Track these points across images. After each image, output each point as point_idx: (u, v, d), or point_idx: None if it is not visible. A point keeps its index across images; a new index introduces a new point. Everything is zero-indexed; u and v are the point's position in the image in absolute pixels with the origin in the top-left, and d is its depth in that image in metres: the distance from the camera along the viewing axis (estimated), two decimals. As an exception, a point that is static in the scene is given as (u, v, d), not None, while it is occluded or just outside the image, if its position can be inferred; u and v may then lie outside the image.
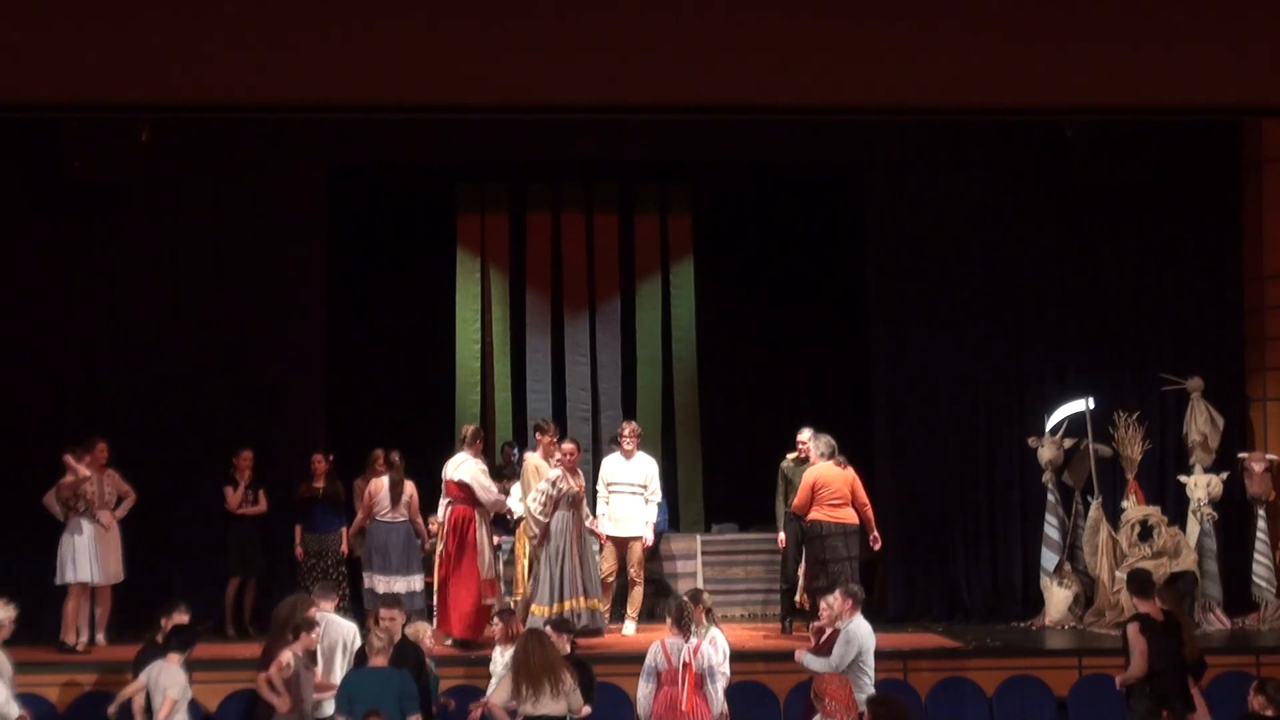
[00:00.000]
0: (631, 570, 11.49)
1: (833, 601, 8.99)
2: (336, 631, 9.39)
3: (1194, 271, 12.97)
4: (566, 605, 10.58)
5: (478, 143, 12.42)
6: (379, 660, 8.58)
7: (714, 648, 8.85)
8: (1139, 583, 8.86)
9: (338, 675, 9.09)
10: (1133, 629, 8.59)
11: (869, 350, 13.07)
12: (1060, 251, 12.92)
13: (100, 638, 11.09)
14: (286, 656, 8.66)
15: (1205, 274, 12.97)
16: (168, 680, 8.50)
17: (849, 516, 11.03)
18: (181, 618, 9.04)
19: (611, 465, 11.62)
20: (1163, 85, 7.54)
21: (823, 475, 11.04)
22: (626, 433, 11.63)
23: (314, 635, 8.89)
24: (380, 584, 10.99)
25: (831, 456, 11.08)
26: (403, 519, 11.15)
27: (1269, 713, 7.99)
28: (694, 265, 13.95)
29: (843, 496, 11.02)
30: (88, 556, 10.85)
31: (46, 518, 11.26)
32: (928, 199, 12.85)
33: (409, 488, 11.21)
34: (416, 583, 11.15)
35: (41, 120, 10.91)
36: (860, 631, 8.85)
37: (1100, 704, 10.10)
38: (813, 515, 11.03)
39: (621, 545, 11.47)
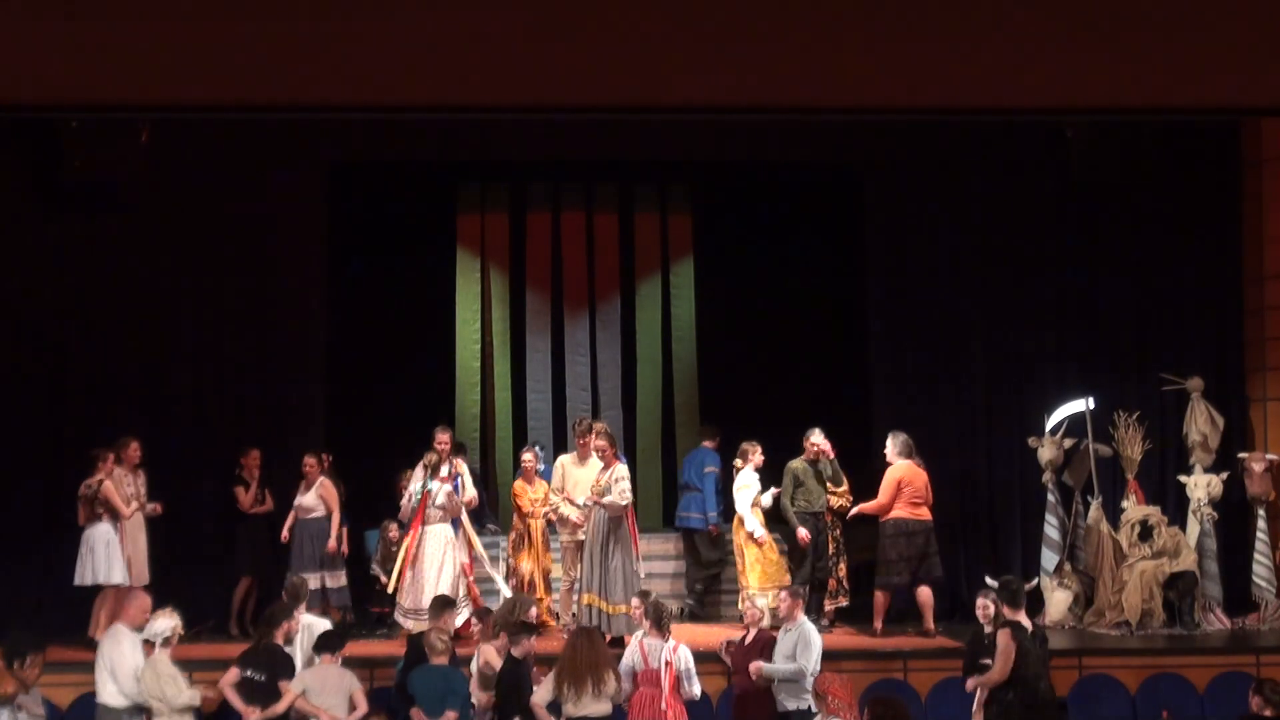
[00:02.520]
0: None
1: (774, 600, 9.20)
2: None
3: (1194, 271, 12.97)
4: (585, 599, 10.72)
5: (478, 143, 12.45)
6: (440, 660, 8.92)
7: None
8: (1010, 592, 8.90)
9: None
10: (1004, 634, 8.67)
11: (869, 349, 13.07)
12: (1060, 252, 12.92)
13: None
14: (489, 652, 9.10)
15: (1205, 274, 12.97)
16: (352, 681, 8.93)
17: (927, 514, 11.36)
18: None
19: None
20: (1163, 85, 7.54)
21: (906, 473, 11.36)
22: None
23: (295, 622, 9.30)
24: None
25: (910, 455, 11.37)
26: None
27: (1267, 713, 8.03)
28: (694, 265, 13.97)
29: (922, 495, 11.36)
30: (120, 557, 10.78)
31: (46, 517, 11.22)
32: (928, 199, 12.86)
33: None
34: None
35: (41, 120, 10.91)
36: (815, 631, 9.16)
37: (1101, 704, 10.13)
38: (894, 513, 11.29)
39: None
